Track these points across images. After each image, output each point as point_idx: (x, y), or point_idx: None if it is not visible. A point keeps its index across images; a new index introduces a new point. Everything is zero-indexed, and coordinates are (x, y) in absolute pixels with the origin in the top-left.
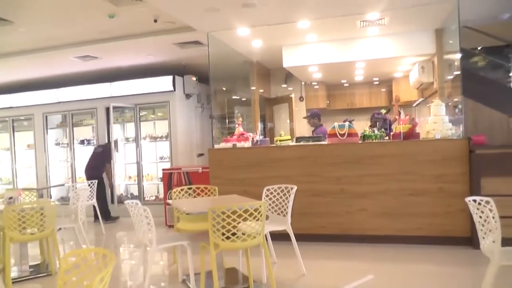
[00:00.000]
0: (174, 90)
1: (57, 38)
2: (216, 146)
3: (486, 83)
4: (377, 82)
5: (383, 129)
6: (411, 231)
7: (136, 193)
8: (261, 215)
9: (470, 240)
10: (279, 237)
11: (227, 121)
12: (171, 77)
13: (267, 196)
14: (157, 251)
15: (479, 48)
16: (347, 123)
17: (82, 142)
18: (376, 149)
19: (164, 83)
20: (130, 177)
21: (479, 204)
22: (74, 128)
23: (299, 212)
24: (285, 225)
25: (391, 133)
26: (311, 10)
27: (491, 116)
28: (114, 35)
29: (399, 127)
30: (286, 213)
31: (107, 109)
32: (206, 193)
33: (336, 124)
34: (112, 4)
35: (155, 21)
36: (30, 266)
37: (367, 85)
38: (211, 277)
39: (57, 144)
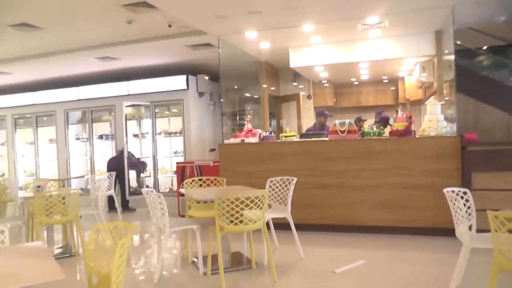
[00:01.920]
0: (188, 88)
1: (80, 42)
2: (226, 142)
3: (488, 82)
4: (386, 81)
5: (381, 127)
6: (405, 222)
7: (151, 185)
8: (262, 203)
9: None
10: (281, 226)
11: (237, 118)
12: (184, 76)
13: (270, 187)
14: (169, 234)
15: (484, 47)
16: (347, 121)
17: (100, 137)
18: (374, 146)
19: (178, 82)
20: (146, 170)
21: (457, 194)
22: (93, 124)
23: (301, 203)
24: (285, 213)
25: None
26: (314, 15)
27: (493, 115)
28: (132, 38)
29: (396, 125)
30: (287, 202)
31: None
32: (215, 184)
33: (337, 121)
34: (129, 12)
35: (170, 26)
36: (56, 248)
37: (374, 84)
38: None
39: (77, 138)
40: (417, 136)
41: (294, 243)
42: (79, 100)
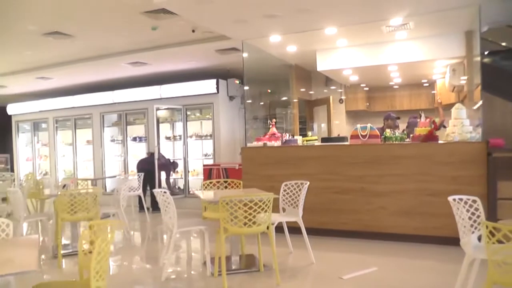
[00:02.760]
0: (218, 92)
1: (109, 48)
2: (248, 145)
3: None
4: (426, 84)
5: (405, 132)
6: (427, 230)
7: (182, 186)
8: (267, 206)
9: None
10: (299, 230)
11: (267, 121)
12: (214, 80)
13: (284, 191)
14: (177, 233)
15: None
16: (369, 125)
17: (134, 139)
18: (396, 150)
19: (208, 86)
20: (177, 172)
21: (465, 203)
22: (128, 127)
23: (323, 208)
24: (297, 217)
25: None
26: (334, 18)
27: None
28: (159, 44)
29: (418, 130)
30: (299, 206)
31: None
32: (232, 187)
33: (358, 126)
34: (152, 19)
35: (193, 31)
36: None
37: (408, 88)
38: (229, 260)
39: (112, 140)
40: (440, 142)
41: (306, 247)
42: (114, 103)
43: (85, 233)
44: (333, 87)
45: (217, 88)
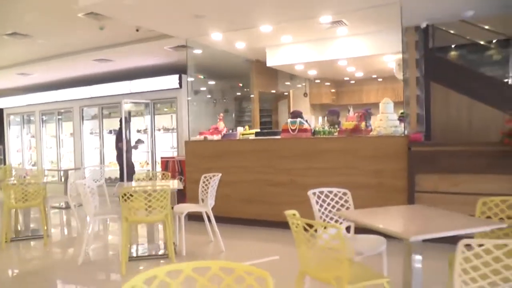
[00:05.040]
0: (181, 87)
1: (72, 45)
2: (192, 138)
3: (481, 79)
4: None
5: (336, 126)
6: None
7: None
8: (164, 198)
9: None
10: (232, 220)
11: (233, 115)
12: (177, 75)
13: (203, 182)
14: (94, 221)
15: (494, 41)
16: (298, 119)
17: (110, 132)
18: (323, 144)
19: (172, 81)
20: (147, 163)
21: (335, 195)
22: (105, 120)
23: (257, 200)
24: (206, 207)
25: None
26: (266, 15)
27: (486, 114)
28: (113, 42)
29: (345, 124)
30: (206, 197)
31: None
32: (162, 179)
33: (289, 120)
34: (94, 20)
35: (137, 30)
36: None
37: (375, 81)
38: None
39: (91, 133)
40: (366, 136)
41: (232, 237)
42: (92, 97)
43: None
44: (298, 82)
45: (180, 83)
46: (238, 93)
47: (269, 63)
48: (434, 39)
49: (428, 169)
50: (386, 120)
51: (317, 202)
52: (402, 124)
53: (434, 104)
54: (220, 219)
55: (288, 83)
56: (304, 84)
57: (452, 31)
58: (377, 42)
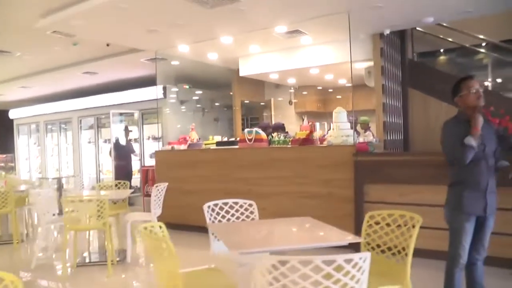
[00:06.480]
0: (165, 97)
1: (56, 60)
2: (161, 148)
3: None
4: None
5: (289, 135)
6: None
7: (139, 184)
8: (102, 208)
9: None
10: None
11: (218, 123)
12: (161, 86)
13: (158, 191)
14: (44, 229)
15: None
16: (254, 129)
17: (105, 141)
18: (277, 154)
19: (158, 91)
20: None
21: (241, 206)
22: (102, 129)
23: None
24: (150, 216)
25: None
26: (221, 28)
27: None
28: (92, 57)
29: (298, 133)
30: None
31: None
32: (119, 188)
33: (246, 130)
34: (66, 37)
35: (108, 45)
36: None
37: (362, 88)
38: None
39: (89, 142)
40: (316, 145)
41: (182, 244)
42: (88, 108)
43: None
44: (283, 90)
45: (164, 93)
46: (230, 102)
47: (242, 73)
48: (414, 45)
49: (375, 179)
50: (337, 130)
51: (218, 214)
52: (355, 133)
53: (413, 112)
54: (181, 227)
55: (277, 92)
56: (291, 91)
57: (433, 35)
58: (344, 50)
